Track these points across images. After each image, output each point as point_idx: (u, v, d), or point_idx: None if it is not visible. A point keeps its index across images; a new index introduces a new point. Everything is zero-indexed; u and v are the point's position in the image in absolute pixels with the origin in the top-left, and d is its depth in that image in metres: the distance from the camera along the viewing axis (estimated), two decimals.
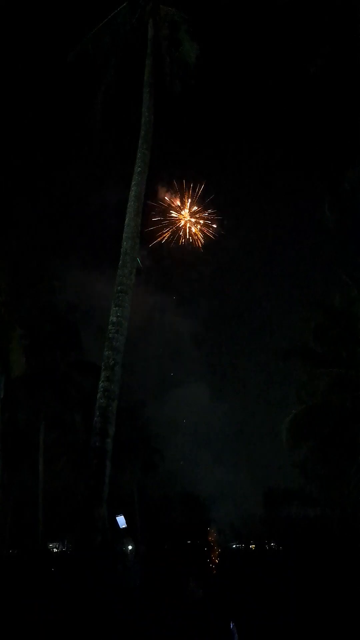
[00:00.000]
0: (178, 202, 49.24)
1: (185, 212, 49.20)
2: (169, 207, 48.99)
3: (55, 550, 38.66)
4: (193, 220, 49.55)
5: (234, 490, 38.58)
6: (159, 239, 49.30)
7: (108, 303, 10.83)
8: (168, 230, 49.43)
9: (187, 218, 49.59)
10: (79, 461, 26.18)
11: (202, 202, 48.85)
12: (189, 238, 50.34)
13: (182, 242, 49.90)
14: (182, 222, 49.77)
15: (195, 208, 49.51)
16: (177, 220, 49.69)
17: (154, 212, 47.86)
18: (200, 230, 49.83)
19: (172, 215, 49.16)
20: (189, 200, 49.14)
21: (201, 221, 49.90)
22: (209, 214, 49.46)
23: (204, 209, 49.42)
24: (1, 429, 22.94)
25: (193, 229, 50.13)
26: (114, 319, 10.30)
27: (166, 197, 49.35)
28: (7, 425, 24.93)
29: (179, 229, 49.91)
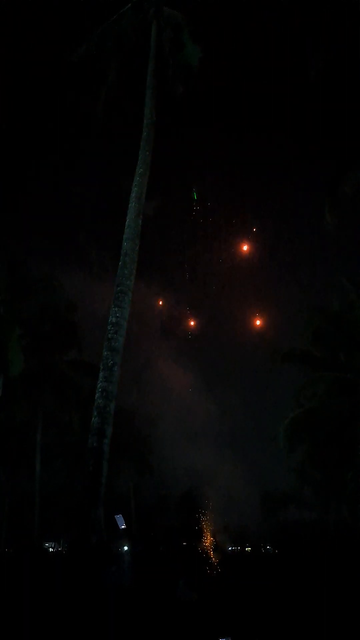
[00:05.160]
0: None
1: None
2: None
3: (51, 550, 38.60)
4: None
5: (230, 493, 38.52)
6: None
7: (108, 303, 10.87)
8: None
9: None
10: (76, 461, 26.17)
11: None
12: None
13: None
14: None
15: None
16: None
17: None
18: None
19: None
20: None
21: None
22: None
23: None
24: None
25: None
26: (114, 319, 10.32)
27: None
28: (4, 424, 24.91)
29: None
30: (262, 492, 40.84)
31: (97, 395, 9.70)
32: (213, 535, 40.09)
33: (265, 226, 44.68)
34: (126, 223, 11.45)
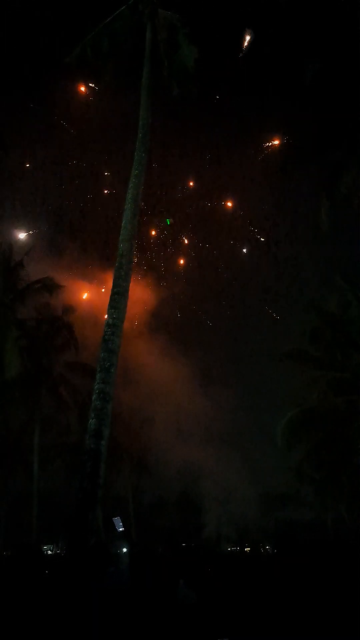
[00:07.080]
0: None
1: None
2: None
3: (49, 552, 38.48)
4: None
5: (229, 493, 38.54)
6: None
7: (105, 304, 10.86)
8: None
9: None
10: (73, 463, 26.11)
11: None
12: None
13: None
14: None
15: None
16: None
17: None
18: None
19: None
20: None
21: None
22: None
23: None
24: None
25: None
26: (110, 320, 10.31)
27: None
28: (1, 426, 24.85)
29: None
30: (261, 491, 40.89)
31: (94, 396, 9.68)
32: (212, 535, 40.10)
33: (263, 225, 44.80)
34: (122, 224, 11.45)
